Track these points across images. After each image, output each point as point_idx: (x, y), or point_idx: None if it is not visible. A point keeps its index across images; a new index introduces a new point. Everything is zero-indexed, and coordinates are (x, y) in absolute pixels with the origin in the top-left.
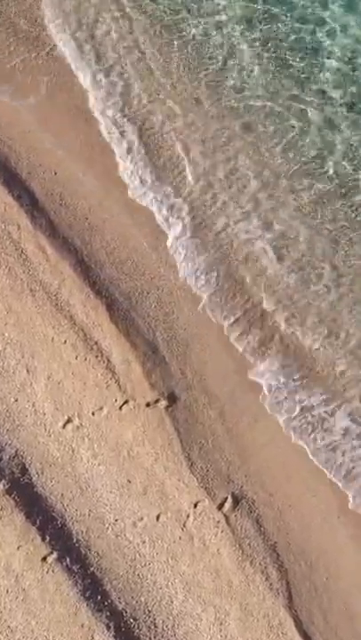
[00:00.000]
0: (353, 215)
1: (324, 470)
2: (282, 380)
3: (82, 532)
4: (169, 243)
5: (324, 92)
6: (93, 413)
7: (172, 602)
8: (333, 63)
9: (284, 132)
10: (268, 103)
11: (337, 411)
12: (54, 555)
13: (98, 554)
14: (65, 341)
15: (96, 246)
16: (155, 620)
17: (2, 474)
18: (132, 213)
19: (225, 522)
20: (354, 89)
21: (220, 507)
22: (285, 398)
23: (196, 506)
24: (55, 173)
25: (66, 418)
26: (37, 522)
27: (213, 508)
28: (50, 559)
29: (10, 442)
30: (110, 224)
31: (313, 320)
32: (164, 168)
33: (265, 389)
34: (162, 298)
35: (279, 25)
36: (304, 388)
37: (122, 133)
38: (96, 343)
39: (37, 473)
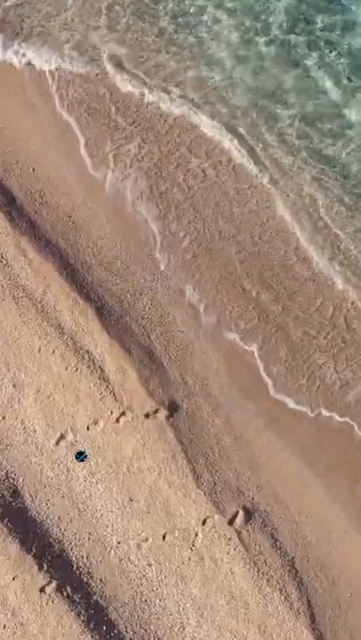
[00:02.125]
0: None
1: None
2: None
3: (82, 557)
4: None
5: None
6: (88, 428)
7: (184, 629)
8: None
9: None
10: None
11: None
12: (53, 584)
13: (101, 580)
14: (53, 351)
15: (82, 247)
16: None
17: None
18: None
19: (237, 538)
20: None
21: (231, 522)
22: None
23: (204, 522)
24: (33, 170)
25: (59, 434)
26: (33, 549)
27: (224, 523)
28: (49, 589)
29: None
30: (96, 222)
31: None
32: None
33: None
34: (156, 298)
35: None
36: None
37: None
38: (87, 352)
39: (31, 495)
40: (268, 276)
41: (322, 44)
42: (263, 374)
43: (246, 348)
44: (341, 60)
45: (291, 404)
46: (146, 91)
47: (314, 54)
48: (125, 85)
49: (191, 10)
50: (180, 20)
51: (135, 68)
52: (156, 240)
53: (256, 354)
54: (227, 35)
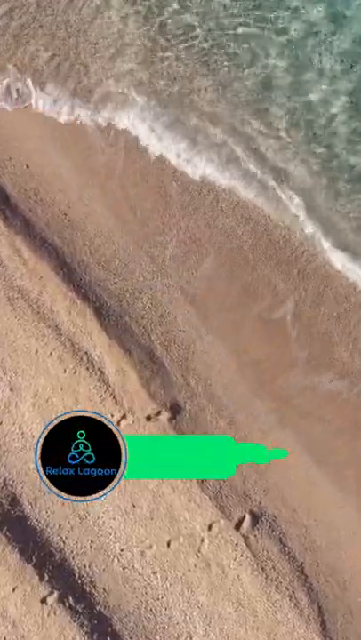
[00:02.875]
0: None
1: None
2: None
3: (84, 566)
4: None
5: None
6: None
7: (191, 638)
8: None
9: None
10: None
11: None
12: (55, 595)
13: (104, 590)
14: (51, 353)
15: (78, 245)
16: None
17: None
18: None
19: (244, 544)
20: None
21: (238, 527)
22: None
23: (210, 528)
24: (27, 167)
25: None
26: (33, 559)
27: (230, 528)
28: (50, 600)
29: None
30: (93, 219)
31: None
32: None
33: None
34: (156, 297)
35: None
36: None
37: None
38: (86, 353)
39: (30, 503)
40: None
41: None
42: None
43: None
44: None
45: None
46: None
47: None
48: None
49: None
50: None
51: None
52: None
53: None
54: None
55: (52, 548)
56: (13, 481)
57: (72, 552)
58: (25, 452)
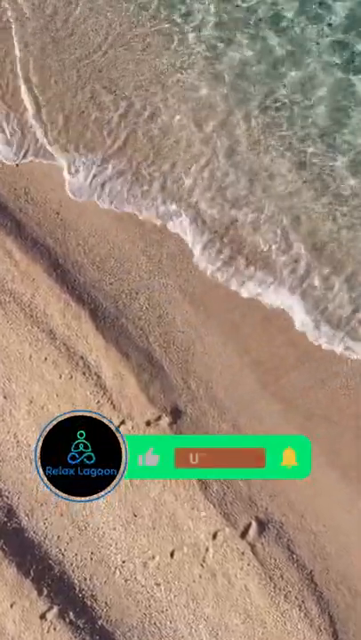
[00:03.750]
0: None
1: None
2: None
3: (85, 579)
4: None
5: None
6: None
7: None
8: None
9: None
10: None
11: None
12: (54, 610)
13: (106, 603)
14: (45, 359)
15: (72, 245)
16: None
17: None
18: None
19: (251, 552)
20: None
21: (244, 535)
22: None
23: (215, 536)
24: (17, 165)
25: None
26: (31, 573)
27: (236, 537)
28: (50, 615)
29: None
30: (86, 218)
31: None
32: None
33: None
34: (153, 298)
35: None
36: None
37: None
38: (82, 357)
39: (27, 515)
40: None
41: None
42: None
43: None
44: None
45: None
46: None
47: None
48: None
49: None
50: None
51: None
52: None
53: None
54: None
55: (50, 561)
56: (9, 492)
57: (72, 565)
58: (20, 461)
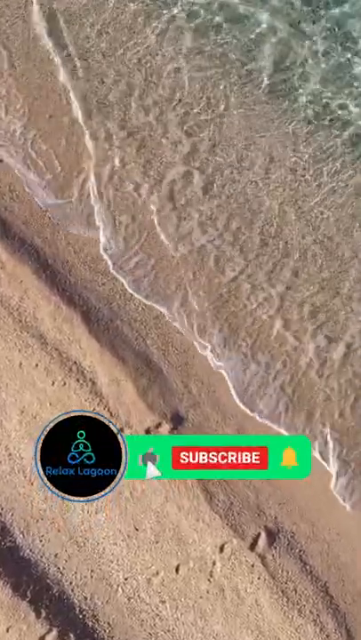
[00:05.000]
0: None
1: None
2: None
3: (85, 598)
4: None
5: None
6: None
7: None
8: None
9: None
10: None
11: None
12: (54, 632)
13: (109, 624)
14: (36, 365)
15: (61, 245)
16: None
17: None
18: None
19: (261, 564)
20: None
21: (253, 546)
22: None
23: (222, 549)
24: (1, 161)
25: None
26: (28, 594)
27: (244, 548)
28: (49, 638)
29: None
30: (75, 215)
31: None
32: None
33: None
34: None
35: None
36: None
37: None
38: (75, 363)
39: (22, 532)
40: None
41: None
42: None
43: None
44: None
45: None
46: None
47: None
48: None
49: None
50: None
51: None
52: None
53: None
54: None
55: (48, 581)
56: (2, 508)
57: (71, 584)
58: (13, 476)
